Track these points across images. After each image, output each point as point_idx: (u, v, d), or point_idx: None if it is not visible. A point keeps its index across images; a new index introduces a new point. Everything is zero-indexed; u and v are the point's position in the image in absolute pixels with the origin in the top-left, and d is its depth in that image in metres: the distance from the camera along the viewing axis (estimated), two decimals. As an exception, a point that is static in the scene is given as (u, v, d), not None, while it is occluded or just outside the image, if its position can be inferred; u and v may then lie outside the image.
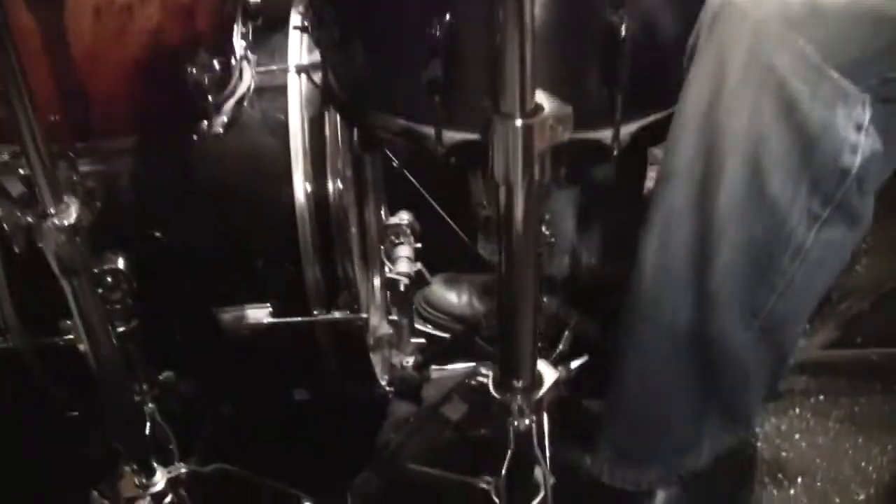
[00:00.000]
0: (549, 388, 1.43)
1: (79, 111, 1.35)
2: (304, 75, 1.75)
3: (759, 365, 1.57)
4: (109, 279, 1.61)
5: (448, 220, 2.31)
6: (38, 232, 1.24)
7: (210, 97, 1.41)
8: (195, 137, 1.46)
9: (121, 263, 1.63)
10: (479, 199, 1.74)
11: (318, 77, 1.72)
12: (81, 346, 1.60)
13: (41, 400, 1.88)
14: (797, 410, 2.13)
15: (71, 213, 1.23)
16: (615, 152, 1.37)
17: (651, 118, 1.41)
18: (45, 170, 1.20)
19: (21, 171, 1.32)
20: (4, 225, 1.42)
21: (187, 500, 1.62)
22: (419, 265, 2.08)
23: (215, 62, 1.40)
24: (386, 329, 2.15)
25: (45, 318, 1.68)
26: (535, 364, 1.41)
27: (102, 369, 1.48)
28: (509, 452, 1.42)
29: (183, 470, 1.59)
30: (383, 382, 2.03)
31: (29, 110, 1.16)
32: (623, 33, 1.28)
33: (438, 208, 2.33)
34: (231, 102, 1.53)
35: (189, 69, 1.39)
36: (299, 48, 1.78)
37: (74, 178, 1.35)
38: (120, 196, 1.68)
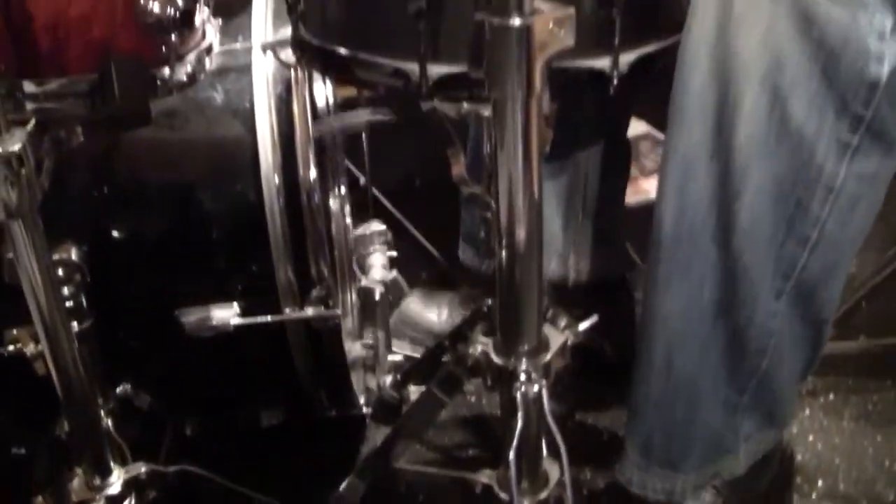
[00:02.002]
0: (557, 352, 1.29)
1: (26, 42, 1.21)
2: (270, 53, 1.63)
3: (793, 343, 1.46)
4: (60, 271, 1.47)
5: (417, 234, 2.26)
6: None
7: (173, 37, 1.28)
8: (158, 84, 1.31)
9: (73, 254, 1.49)
10: (461, 174, 1.62)
11: (285, 54, 1.62)
12: (29, 350, 1.48)
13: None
14: (807, 412, 2.03)
15: (16, 141, 1.09)
16: (614, 81, 1.25)
17: (653, 46, 1.29)
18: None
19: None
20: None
21: (147, 504, 1.47)
22: (395, 272, 1.94)
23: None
24: (359, 351, 2.01)
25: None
26: (541, 324, 1.29)
27: (58, 363, 1.33)
28: (518, 425, 1.26)
29: (143, 469, 1.42)
30: (361, 400, 1.88)
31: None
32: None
33: (406, 223, 2.25)
34: (193, 55, 1.39)
35: (150, 2, 1.26)
36: (264, 26, 1.67)
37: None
38: (70, 180, 1.56)
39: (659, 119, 1.49)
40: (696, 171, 1.34)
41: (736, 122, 1.28)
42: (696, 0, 1.27)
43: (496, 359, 1.29)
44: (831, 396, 2.06)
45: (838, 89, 1.25)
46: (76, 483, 1.42)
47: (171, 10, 1.29)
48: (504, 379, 1.28)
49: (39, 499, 1.52)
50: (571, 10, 1.05)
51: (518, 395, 1.26)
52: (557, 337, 1.31)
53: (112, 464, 1.42)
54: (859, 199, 1.33)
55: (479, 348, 1.33)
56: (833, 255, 1.38)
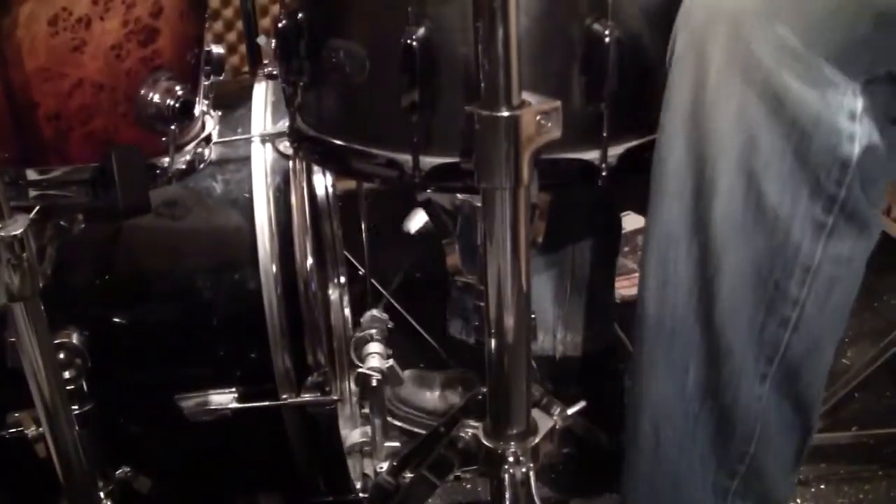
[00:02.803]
0: (545, 436, 1.31)
1: (29, 131, 1.25)
2: (268, 145, 1.68)
3: (781, 427, 1.45)
4: (62, 355, 1.49)
5: (414, 324, 2.29)
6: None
7: (173, 127, 1.32)
8: (157, 173, 1.35)
9: (75, 339, 1.52)
10: (455, 264, 1.66)
11: (283, 145, 1.67)
12: (30, 432, 1.50)
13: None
14: (799, 501, 2.02)
15: (19, 226, 1.13)
16: (603, 173, 1.29)
17: (641, 140, 1.33)
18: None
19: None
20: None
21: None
22: (391, 361, 1.96)
23: (178, 89, 1.31)
24: (358, 437, 2.03)
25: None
26: (529, 409, 1.30)
27: (58, 446, 1.35)
28: (506, 506, 1.28)
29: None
30: (357, 486, 1.89)
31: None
32: (607, 40, 1.22)
33: (404, 312, 2.27)
34: (192, 145, 1.43)
35: (150, 94, 1.30)
36: (263, 118, 1.72)
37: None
38: (72, 266, 1.60)
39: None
40: (676, 248, 1.35)
41: (713, 201, 1.29)
42: (671, 84, 1.29)
43: (486, 442, 1.31)
44: (823, 486, 2.05)
45: (811, 169, 1.26)
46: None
47: (170, 101, 1.32)
48: (493, 462, 1.30)
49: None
50: (558, 103, 1.09)
51: (506, 478, 1.28)
52: (546, 421, 1.34)
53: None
54: (837, 280, 1.34)
55: (470, 432, 1.35)
56: (815, 336, 1.38)
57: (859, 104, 1.24)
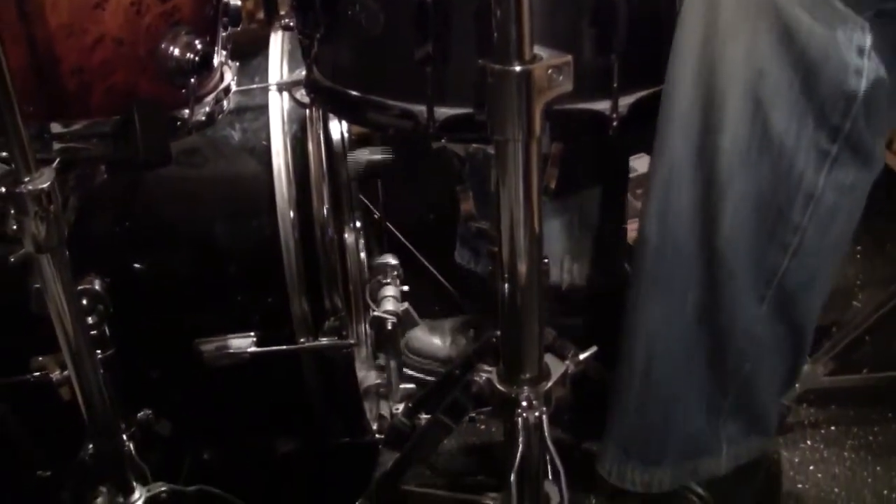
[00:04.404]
0: (557, 381, 1.34)
1: (53, 86, 1.28)
2: (286, 94, 1.70)
3: (776, 347, 1.49)
4: (85, 302, 1.52)
5: (428, 265, 2.33)
6: (13, 202, 1.17)
7: (193, 80, 1.34)
8: (177, 125, 1.37)
9: (97, 286, 1.54)
10: (470, 211, 1.68)
11: (300, 94, 1.69)
12: (55, 376, 1.54)
13: (11, 455, 1.78)
14: (809, 442, 2.06)
15: (45, 179, 1.16)
16: (614, 123, 1.30)
17: (651, 90, 1.35)
18: (18, 137, 1.15)
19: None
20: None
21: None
22: (406, 305, 1.99)
23: (197, 43, 1.33)
24: (373, 379, 2.06)
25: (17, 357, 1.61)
26: (542, 354, 1.33)
27: (83, 389, 1.39)
28: (519, 450, 1.31)
29: (164, 489, 1.48)
30: (374, 427, 1.93)
31: (6, 74, 1.11)
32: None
33: (418, 254, 2.30)
34: (212, 96, 1.46)
35: (169, 48, 1.32)
36: (280, 68, 1.73)
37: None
38: (94, 216, 1.63)
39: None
40: (680, 178, 1.38)
41: (719, 131, 1.32)
42: (684, 14, 1.31)
43: (499, 387, 1.34)
44: (832, 428, 2.09)
45: (818, 101, 1.29)
46: (100, 501, 1.46)
47: (190, 55, 1.34)
48: (507, 406, 1.33)
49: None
50: (569, 58, 1.10)
51: (520, 421, 1.31)
52: (559, 366, 1.36)
53: (134, 483, 1.47)
54: (838, 208, 1.37)
55: (484, 377, 1.38)
56: (814, 263, 1.41)
57: (868, 39, 1.27)
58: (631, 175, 2.23)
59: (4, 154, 1.21)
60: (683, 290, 1.43)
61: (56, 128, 1.33)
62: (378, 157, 1.97)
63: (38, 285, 1.32)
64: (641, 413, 1.55)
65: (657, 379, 1.51)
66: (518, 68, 1.07)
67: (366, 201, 2.24)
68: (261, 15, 1.93)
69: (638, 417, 1.56)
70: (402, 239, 2.36)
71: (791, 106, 1.30)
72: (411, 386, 2.06)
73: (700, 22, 1.29)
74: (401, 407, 1.95)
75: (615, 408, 1.59)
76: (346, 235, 1.98)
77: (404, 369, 2.13)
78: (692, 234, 1.39)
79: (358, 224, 2.07)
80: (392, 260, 2.07)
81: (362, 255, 2.11)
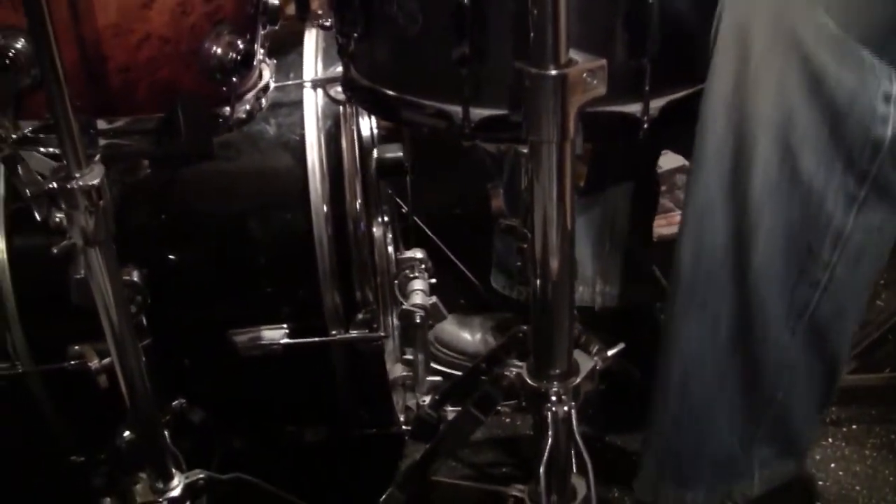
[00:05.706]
0: (586, 376, 1.37)
1: (100, 83, 1.31)
2: (320, 90, 1.72)
3: (808, 375, 1.52)
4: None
5: (456, 261, 2.34)
6: (64, 197, 1.21)
7: (234, 79, 1.37)
8: (219, 121, 1.41)
9: (135, 277, 1.58)
10: (500, 207, 1.71)
11: (334, 91, 1.71)
12: (93, 364, 1.57)
13: (45, 441, 1.82)
14: (830, 440, 2.07)
15: (96, 175, 1.19)
16: (645, 126, 1.33)
17: (681, 93, 1.37)
18: (70, 134, 1.18)
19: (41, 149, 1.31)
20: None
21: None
22: (434, 298, 2.02)
23: (239, 42, 1.37)
24: (400, 371, 2.09)
25: (53, 345, 1.65)
26: (571, 350, 1.36)
27: (126, 376, 1.43)
28: (548, 443, 1.35)
29: (201, 476, 1.51)
30: (401, 418, 1.96)
31: (60, 71, 1.15)
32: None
33: (446, 250, 2.32)
34: (252, 94, 1.49)
35: (212, 47, 1.36)
36: (314, 64, 1.76)
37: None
38: (133, 208, 1.66)
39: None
40: (713, 213, 1.41)
41: (750, 173, 1.36)
42: (715, 60, 1.34)
43: (529, 381, 1.37)
44: (854, 426, 2.10)
45: (845, 146, 1.33)
46: (140, 487, 1.50)
47: (232, 54, 1.38)
48: (536, 400, 1.36)
49: (108, 500, 1.61)
50: (603, 62, 1.12)
51: (549, 416, 1.35)
52: (587, 362, 1.39)
53: (173, 470, 1.51)
54: (866, 248, 1.41)
55: (514, 371, 1.42)
56: (844, 297, 1.45)
57: (894, 87, 1.31)
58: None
59: (52, 150, 1.25)
60: (716, 317, 1.47)
61: (101, 124, 1.36)
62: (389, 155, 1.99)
63: (78, 276, 1.36)
64: (677, 432, 1.59)
65: (692, 400, 1.54)
66: (554, 72, 1.10)
67: (394, 195, 2.26)
68: (290, 11, 1.95)
69: (673, 436, 1.60)
70: (429, 233, 2.38)
71: (820, 151, 1.33)
72: (437, 378, 2.08)
73: (731, 67, 1.33)
74: (427, 399, 1.98)
75: (652, 425, 1.63)
76: (375, 229, 2.00)
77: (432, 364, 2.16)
78: (725, 265, 1.43)
79: (386, 218, 2.09)
80: (420, 254, 2.09)
81: (390, 248, 2.14)
